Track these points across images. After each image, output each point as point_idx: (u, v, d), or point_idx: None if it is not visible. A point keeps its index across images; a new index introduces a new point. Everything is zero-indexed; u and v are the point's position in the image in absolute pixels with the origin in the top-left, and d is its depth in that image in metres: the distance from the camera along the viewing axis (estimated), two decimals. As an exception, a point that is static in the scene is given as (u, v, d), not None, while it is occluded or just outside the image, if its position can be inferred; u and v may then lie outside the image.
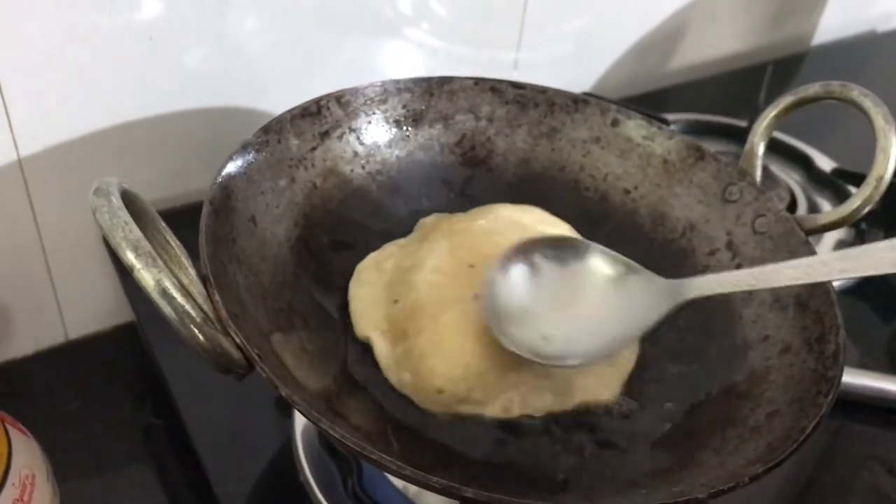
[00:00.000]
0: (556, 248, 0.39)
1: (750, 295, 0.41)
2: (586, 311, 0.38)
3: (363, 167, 0.45)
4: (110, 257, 0.50)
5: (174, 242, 0.37)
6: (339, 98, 0.44)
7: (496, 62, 0.63)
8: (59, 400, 0.50)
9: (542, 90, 0.47)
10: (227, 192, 0.38)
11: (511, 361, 0.37)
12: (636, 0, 0.69)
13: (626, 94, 0.73)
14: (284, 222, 0.41)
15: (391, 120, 0.46)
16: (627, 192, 0.46)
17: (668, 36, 0.73)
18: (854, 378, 0.48)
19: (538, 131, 0.47)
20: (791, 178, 0.64)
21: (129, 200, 0.34)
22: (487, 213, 0.43)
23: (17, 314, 0.51)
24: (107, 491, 0.46)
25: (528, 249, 0.38)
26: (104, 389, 0.51)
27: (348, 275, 0.41)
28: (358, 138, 0.45)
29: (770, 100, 0.44)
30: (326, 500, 0.41)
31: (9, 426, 0.39)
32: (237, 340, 0.32)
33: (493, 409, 0.37)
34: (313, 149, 0.43)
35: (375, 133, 0.45)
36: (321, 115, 0.43)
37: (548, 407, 0.37)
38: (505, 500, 0.28)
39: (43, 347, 0.53)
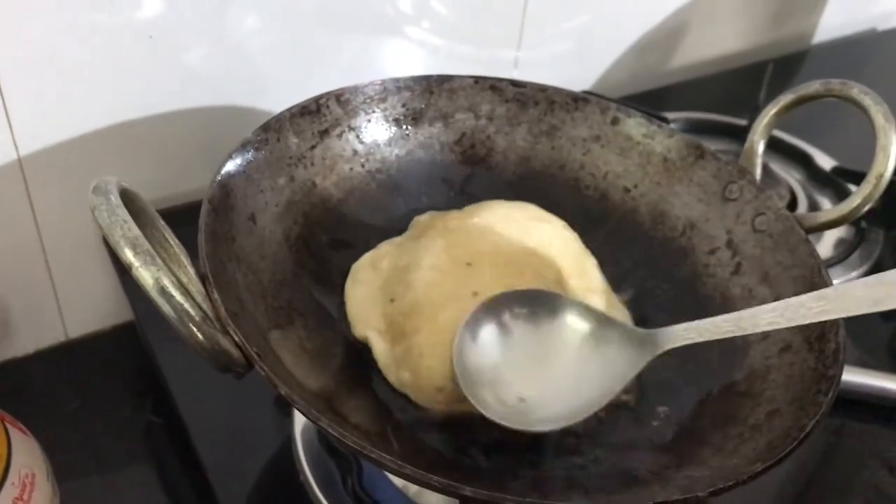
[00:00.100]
0: (526, 304, 0.37)
1: (750, 293, 0.41)
2: (562, 371, 0.36)
3: (363, 166, 0.45)
4: (110, 257, 0.50)
5: (173, 241, 0.37)
6: (338, 96, 0.44)
7: (497, 61, 0.63)
8: (58, 399, 0.50)
9: (542, 88, 0.47)
10: (226, 190, 0.38)
11: None
12: (636, -2, 0.70)
13: (626, 92, 0.72)
14: (284, 221, 0.41)
15: (391, 118, 0.46)
16: (627, 190, 0.46)
17: (668, 34, 0.73)
18: (854, 376, 0.48)
19: (538, 129, 0.47)
20: (791, 177, 0.64)
21: (128, 199, 0.34)
22: (482, 211, 0.43)
23: (16, 313, 0.51)
24: (107, 490, 0.46)
25: (497, 308, 0.37)
26: (104, 388, 0.51)
27: (348, 273, 0.41)
28: (357, 137, 0.45)
29: (770, 98, 0.44)
30: (326, 498, 0.41)
31: (8, 425, 0.39)
32: (236, 339, 0.32)
33: None
34: (313, 147, 0.43)
35: (375, 131, 0.45)
36: (321, 114, 0.43)
37: None
38: (505, 499, 0.28)
39: (43, 347, 0.53)
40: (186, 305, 0.31)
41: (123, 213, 0.32)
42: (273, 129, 0.41)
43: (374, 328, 0.38)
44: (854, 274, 0.57)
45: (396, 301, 0.39)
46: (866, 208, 0.40)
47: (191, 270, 0.35)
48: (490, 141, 0.47)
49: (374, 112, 0.45)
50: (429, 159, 0.46)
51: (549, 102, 0.47)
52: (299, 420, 0.44)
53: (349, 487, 0.41)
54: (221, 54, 0.50)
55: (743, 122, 0.66)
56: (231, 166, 0.38)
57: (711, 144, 0.45)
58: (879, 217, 0.59)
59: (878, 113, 0.39)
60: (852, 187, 0.62)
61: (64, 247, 0.50)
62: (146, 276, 0.31)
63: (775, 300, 0.39)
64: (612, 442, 0.37)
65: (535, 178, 0.47)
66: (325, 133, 0.43)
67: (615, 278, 0.43)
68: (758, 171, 0.44)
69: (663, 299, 0.43)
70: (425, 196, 0.45)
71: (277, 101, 0.44)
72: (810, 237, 0.40)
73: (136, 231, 0.31)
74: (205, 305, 0.32)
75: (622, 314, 0.41)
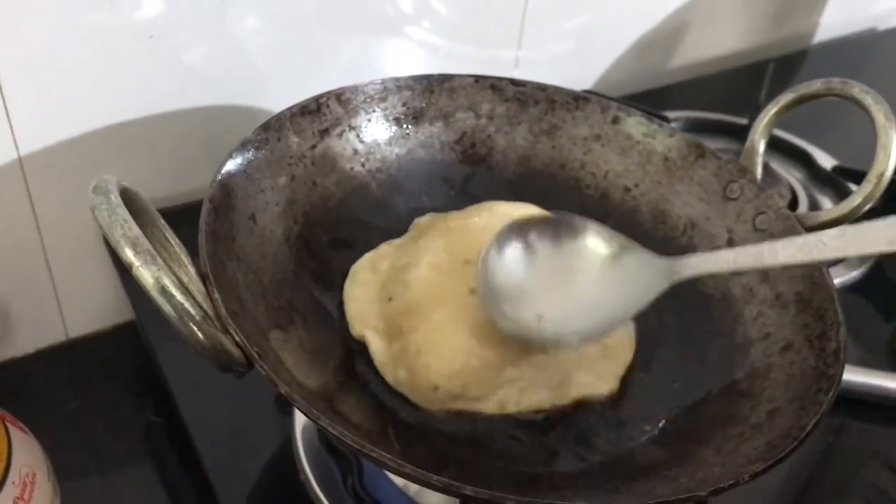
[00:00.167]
0: (551, 226, 0.38)
1: (751, 292, 0.41)
2: (582, 290, 0.37)
3: (363, 165, 0.45)
4: (110, 256, 0.50)
5: (173, 240, 0.37)
6: (338, 96, 0.44)
7: (497, 60, 0.63)
8: (59, 399, 0.50)
9: (543, 88, 0.47)
10: (226, 190, 0.38)
11: (507, 358, 0.37)
12: (637, -2, 0.69)
13: (626, 91, 0.72)
14: (284, 220, 0.41)
15: (391, 118, 0.46)
16: (628, 189, 0.46)
17: (668, 34, 0.73)
18: (855, 376, 0.48)
19: (538, 129, 0.47)
20: (792, 176, 0.64)
21: (129, 198, 0.34)
22: (482, 211, 0.43)
23: (17, 313, 0.51)
24: (107, 489, 0.46)
25: (524, 228, 0.38)
26: (104, 388, 0.51)
27: (348, 273, 0.41)
28: (358, 136, 0.45)
29: (771, 97, 0.44)
30: (327, 498, 0.41)
31: (9, 425, 0.39)
32: (237, 338, 0.32)
33: (490, 406, 0.37)
34: (313, 146, 0.43)
35: (375, 131, 0.45)
36: (321, 113, 0.43)
37: (544, 403, 0.37)
38: (506, 498, 0.28)
39: (43, 346, 0.53)
40: (187, 305, 0.31)
41: (124, 212, 0.32)
42: (273, 128, 0.41)
43: (371, 327, 0.38)
44: (855, 273, 0.57)
45: (394, 300, 0.39)
46: (867, 207, 0.40)
47: (191, 270, 0.36)
48: (490, 140, 0.47)
49: (374, 111, 0.45)
50: (429, 158, 0.46)
51: (550, 102, 0.47)
52: (300, 419, 0.44)
53: (350, 487, 0.41)
54: (221, 54, 0.50)
55: (743, 122, 0.66)
56: (231, 166, 0.38)
57: (712, 143, 0.45)
58: (880, 216, 0.59)
59: (878, 112, 0.39)
60: (853, 186, 0.62)
61: (64, 246, 0.50)
62: (147, 275, 0.31)
63: (776, 299, 0.39)
64: (611, 440, 0.37)
65: (535, 177, 0.47)
66: (325, 132, 0.43)
67: (616, 277, 0.43)
68: (758, 171, 0.44)
69: (664, 299, 0.43)
70: (426, 195, 0.45)
71: (277, 100, 0.44)
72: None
73: (136, 230, 0.31)
74: (205, 305, 0.32)
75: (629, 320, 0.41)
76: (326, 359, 0.38)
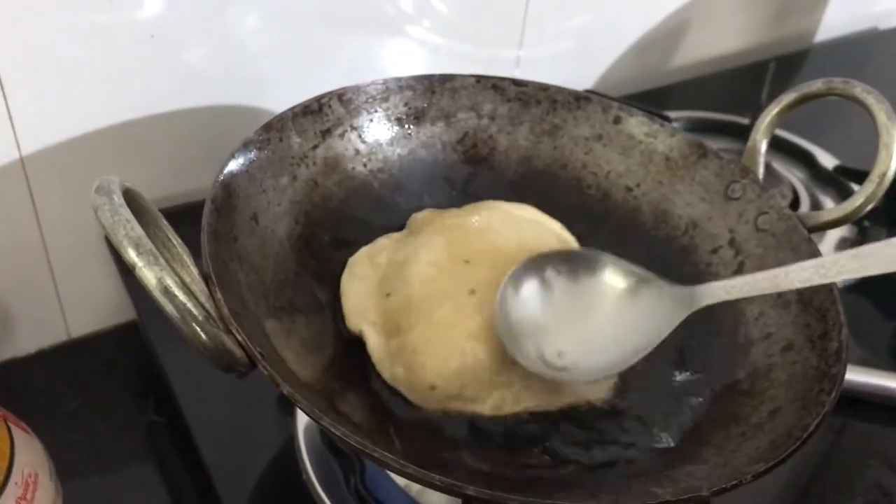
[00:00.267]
0: (567, 261, 0.38)
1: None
2: (600, 325, 0.37)
3: (365, 165, 0.45)
4: (112, 256, 0.50)
5: (176, 240, 0.37)
6: (340, 96, 0.44)
7: (498, 60, 0.63)
8: (61, 398, 0.50)
9: (544, 88, 0.47)
10: (228, 190, 0.38)
11: (504, 359, 0.37)
12: (638, -3, 0.69)
13: (628, 91, 0.72)
14: (286, 220, 0.41)
15: (393, 118, 0.46)
16: (629, 189, 0.46)
17: (670, 33, 0.73)
18: (857, 376, 0.48)
19: (540, 129, 0.47)
20: (794, 176, 0.64)
21: (131, 199, 0.34)
22: (481, 210, 0.43)
23: (18, 313, 0.51)
24: (109, 489, 0.46)
25: (540, 264, 0.38)
26: (106, 388, 0.51)
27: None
28: (360, 136, 0.45)
29: (772, 97, 0.44)
30: (329, 498, 0.41)
31: (11, 424, 0.39)
32: (239, 339, 0.32)
33: (485, 407, 0.37)
34: (315, 147, 0.43)
35: (377, 131, 0.45)
36: (323, 113, 0.43)
37: (540, 405, 0.37)
38: (507, 499, 0.28)
39: (45, 346, 0.53)
40: (189, 305, 0.31)
41: (126, 212, 0.32)
42: (275, 128, 0.41)
43: (369, 322, 0.38)
44: (856, 273, 0.56)
45: (393, 296, 0.39)
46: (869, 207, 0.40)
47: (194, 270, 0.36)
48: (492, 140, 0.47)
49: (376, 111, 0.45)
50: (431, 159, 0.46)
51: (551, 101, 0.47)
52: (302, 419, 0.44)
53: (352, 486, 0.41)
54: (222, 54, 0.50)
55: (745, 121, 0.66)
56: (234, 166, 0.38)
57: (714, 143, 0.45)
58: (882, 216, 0.59)
59: (880, 111, 0.39)
60: (855, 186, 0.62)
61: (66, 246, 0.50)
62: (149, 276, 0.31)
63: (777, 299, 0.39)
64: (611, 440, 0.37)
65: (537, 177, 0.47)
66: (327, 132, 0.43)
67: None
68: (760, 170, 0.44)
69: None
70: (427, 195, 0.45)
71: (278, 100, 0.45)
72: (813, 236, 0.40)
73: (139, 231, 0.31)
74: (207, 305, 0.32)
75: None
76: (328, 358, 0.38)
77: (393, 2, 0.55)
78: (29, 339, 0.52)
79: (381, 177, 0.45)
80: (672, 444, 0.36)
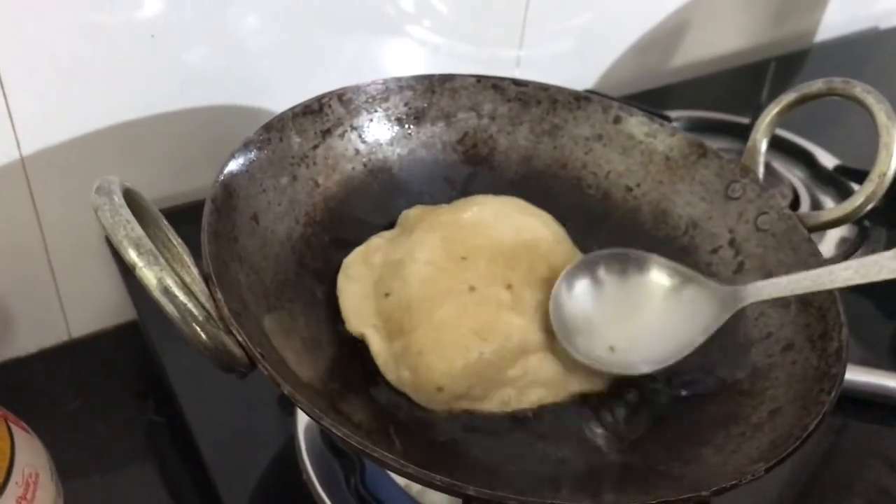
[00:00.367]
0: (618, 261, 0.40)
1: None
2: (649, 322, 0.39)
3: (365, 165, 0.45)
4: (113, 256, 0.50)
5: (176, 241, 0.37)
6: (340, 96, 0.44)
7: (498, 60, 0.63)
8: (61, 398, 0.50)
9: (544, 88, 0.47)
10: (229, 190, 0.38)
11: (508, 356, 0.37)
12: (638, -3, 0.69)
13: (628, 91, 0.72)
14: (286, 220, 0.41)
15: (393, 118, 0.46)
16: (629, 189, 0.46)
17: (670, 33, 0.73)
18: (857, 375, 0.48)
19: (540, 129, 0.47)
20: (794, 175, 0.64)
21: (131, 199, 0.34)
22: (472, 205, 0.43)
23: (19, 313, 0.51)
24: (109, 489, 0.46)
25: (592, 263, 0.40)
26: (107, 388, 0.51)
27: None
28: (360, 136, 0.45)
29: (773, 97, 0.44)
30: (329, 497, 0.41)
31: (12, 424, 0.39)
32: (239, 339, 0.32)
33: (491, 404, 0.37)
34: (315, 147, 0.43)
35: (377, 131, 0.45)
36: (323, 113, 0.43)
37: (545, 399, 0.37)
38: (507, 498, 0.28)
39: (45, 346, 0.53)
40: (190, 305, 0.31)
41: (126, 212, 0.32)
42: (275, 128, 0.41)
43: (370, 325, 0.38)
44: (856, 272, 0.56)
45: (392, 296, 0.39)
46: (869, 207, 0.40)
47: (194, 270, 0.36)
48: (492, 140, 0.47)
49: (376, 111, 0.45)
50: (431, 159, 0.46)
51: (552, 101, 0.47)
52: (302, 419, 0.44)
53: (352, 486, 0.41)
54: (222, 54, 0.50)
55: (745, 121, 0.66)
56: (234, 166, 0.38)
57: (714, 143, 0.45)
58: (882, 216, 0.59)
59: (880, 111, 0.39)
60: (855, 186, 0.62)
61: (66, 246, 0.50)
62: (150, 276, 0.31)
63: (777, 299, 0.39)
64: (611, 440, 0.37)
65: (537, 177, 0.47)
66: (327, 132, 0.43)
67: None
68: (760, 170, 0.44)
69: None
70: (427, 195, 0.45)
71: (278, 100, 0.45)
72: (813, 236, 0.40)
73: (139, 231, 0.32)
74: (208, 305, 0.32)
75: None
76: (328, 359, 0.38)
77: (393, 2, 0.55)
78: (29, 338, 0.52)
79: (381, 177, 0.45)
80: (672, 444, 0.36)
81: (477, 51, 0.61)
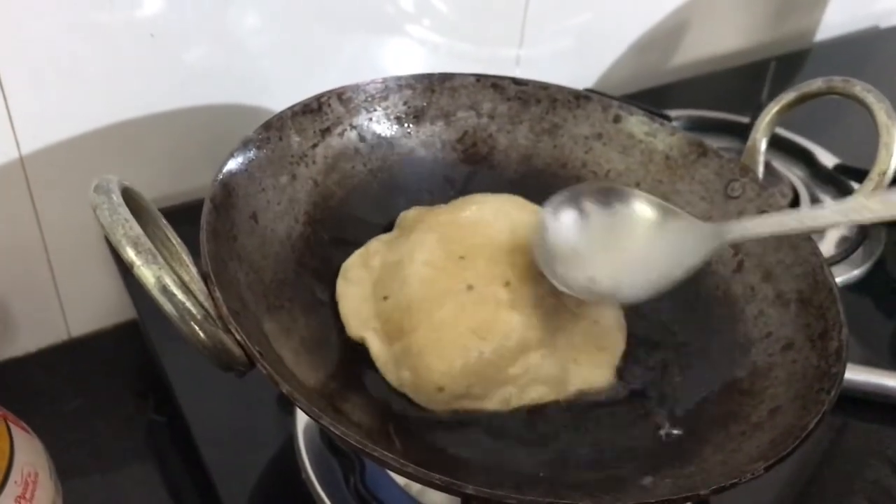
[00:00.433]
0: (602, 193, 0.40)
1: (752, 291, 0.41)
2: (631, 252, 0.39)
3: (364, 164, 0.45)
4: (112, 255, 0.50)
5: (175, 239, 0.37)
6: (340, 95, 0.44)
7: (498, 59, 0.63)
8: (60, 398, 0.50)
9: (544, 87, 0.47)
10: (228, 189, 0.38)
11: (508, 355, 0.37)
12: (638, -4, 0.69)
13: (627, 90, 0.72)
14: (285, 219, 0.41)
15: (392, 117, 0.46)
16: (629, 188, 0.46)
17: (669, 32, 0.73)
18: (857, 375, 0.48)
19: (540, 128, 0.47)
20: (793, 174, 0.64)
21: (130, 198, 0.34)
22: (471, 204, 0.43)
23: (19, 312, 0.51)
24: (109, 488, 0.46)
25: (577, 195, 0.40)
26: (106, 387, 0.51)
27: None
28: (359, 135, 0.45)
29: (772, 96, 0.44)
30: (328, 497, 0.41)
31: (11, 424, 0.39)
32: (238, 338, 0.32)
33: (492, 403, 0.37)
34: (314, 146, 0.43)
35: (377, 130, 0.45)
36: (322, 112, 0.43)
37: (545, 397, 0.37)
38: (507, 497, 0.28)
39: (45, 345, 0.53)
40: (188, 304, 0.31)
41: (125, 211, 0.32)
42: (275, 127, 0.41)
43: (370, 328, 0.38)
44: (856, 272, 0.56)
45: (391, 298, 0.39)
46: (869, 206, 0.40)
47: (192, 269, 0.36)
48: (492, 139, 0.47)
49: (375, 110, 0.45)
50: (431, 158, 0.46)
51: (551, 100, 0.47)
52: (301, 418, 0.44)
53: (351, 486, 0.41)
54: (222, 53, 0.50)
55: (745, 120, 0.66)
56: (233, 165, 0.38)
57: (713, 142, 0.45)
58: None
59: (880, 110, 0.39)
60: (855, 185, 0.62)
61: (66, 245, 0.50)
62: (148, 274, 0.31)
63: (777, 298, 0.39)
64: (612, 439, 0.37)
65: (537, 176, 0.47)
66: (326, 131, 0.43)
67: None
68: (760, 169, 0.44)
69: (664, 298, 0.43)
70: (427, 194, 0.45)
71: (278, 100, 0.44)
72: (812, 235, 0.40)
73: (137, 230, 0.31)
74: (207, 304, 0.32)
75: (617, 310, 0.41)
76: (327, 358, 0.38)
77: (393, 1, 0.55)
78: (29, 338, 0.52)
79: (380, 176, 0.45)
80: (672, 443, 0.36)
81: (477, 50, 0.61)
